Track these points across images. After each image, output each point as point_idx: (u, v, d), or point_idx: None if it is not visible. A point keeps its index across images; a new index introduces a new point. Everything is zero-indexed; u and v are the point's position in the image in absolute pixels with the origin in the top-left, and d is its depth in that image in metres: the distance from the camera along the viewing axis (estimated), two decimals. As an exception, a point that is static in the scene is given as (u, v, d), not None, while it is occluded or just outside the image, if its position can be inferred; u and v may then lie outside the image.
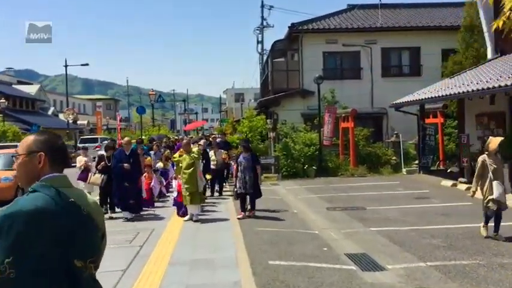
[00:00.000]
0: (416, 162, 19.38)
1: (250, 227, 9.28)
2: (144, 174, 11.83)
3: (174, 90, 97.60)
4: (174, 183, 11.10)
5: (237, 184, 10.49)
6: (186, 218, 10.00)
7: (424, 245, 7.65)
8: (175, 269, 6.55)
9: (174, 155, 11.31)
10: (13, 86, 49.27)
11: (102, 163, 10.87)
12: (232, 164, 13.18)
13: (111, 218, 10.55)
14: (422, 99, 16.79)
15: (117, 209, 11.05)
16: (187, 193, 9.89)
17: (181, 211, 10.39)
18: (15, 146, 24.47)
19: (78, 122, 53.06)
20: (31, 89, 52.10)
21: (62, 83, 43.87)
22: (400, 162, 19.52)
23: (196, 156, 10.21)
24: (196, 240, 8.35)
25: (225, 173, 15.44)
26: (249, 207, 10.48)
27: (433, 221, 9.60)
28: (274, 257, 6.98)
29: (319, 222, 9.84)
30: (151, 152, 14.65)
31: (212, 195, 13.79)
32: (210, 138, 17.52)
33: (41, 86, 58.79)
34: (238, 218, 10.11)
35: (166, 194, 13.59)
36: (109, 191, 10.84)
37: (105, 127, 53.78)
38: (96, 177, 10.85)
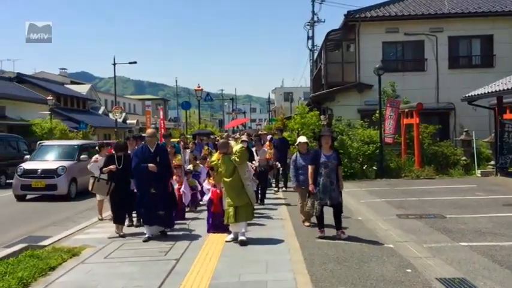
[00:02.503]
0: (492, 163, 17.16)
1: (309, 238, 7.66)
2: (175, 178, 9.44)
3: (222, 90, 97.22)
4: (206, 185, 8.81)
5: (317, 194, 7.51)
6: (229, 237, 7.66)
7: (541, 269, 5.81)
8: (217, 296, 5.06)
9: (213, 158, 8.69)
10: (65, 85, 49.91)
11: (112, 166, 8.20)
12: (310, 166, 8.04)
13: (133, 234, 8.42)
14: (502, 90, 14.61)
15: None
16: (231, 208, 7.51)
17: (216, 228, 8.16)
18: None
19: (128, 121, 53.19)
20: (82, 89, 52.64)
21: (116, 84, 43.94)
22: (472, 163, 17.37)
23: (238, 160, 7.54)
24: (244, 255, 6.74)
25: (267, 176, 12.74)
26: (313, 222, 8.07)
27: (539, 235, 7.67)
28: (345, 282, 5.35)
29: (392, 233, 8.11)
30: (187, 151, 12.41)
31: (257, 202, 10.26)
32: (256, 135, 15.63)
33: (92, 85, 59.37)
34: (321, 237, 7.64)
35: (201, 203, 10.73)
36: (123, 202, 8.34)
37: (153, 126, 53.70)
38: (101, 184, 8.42)
